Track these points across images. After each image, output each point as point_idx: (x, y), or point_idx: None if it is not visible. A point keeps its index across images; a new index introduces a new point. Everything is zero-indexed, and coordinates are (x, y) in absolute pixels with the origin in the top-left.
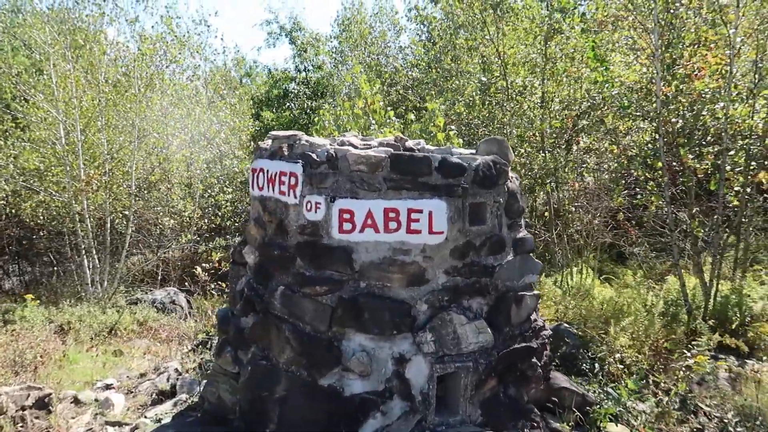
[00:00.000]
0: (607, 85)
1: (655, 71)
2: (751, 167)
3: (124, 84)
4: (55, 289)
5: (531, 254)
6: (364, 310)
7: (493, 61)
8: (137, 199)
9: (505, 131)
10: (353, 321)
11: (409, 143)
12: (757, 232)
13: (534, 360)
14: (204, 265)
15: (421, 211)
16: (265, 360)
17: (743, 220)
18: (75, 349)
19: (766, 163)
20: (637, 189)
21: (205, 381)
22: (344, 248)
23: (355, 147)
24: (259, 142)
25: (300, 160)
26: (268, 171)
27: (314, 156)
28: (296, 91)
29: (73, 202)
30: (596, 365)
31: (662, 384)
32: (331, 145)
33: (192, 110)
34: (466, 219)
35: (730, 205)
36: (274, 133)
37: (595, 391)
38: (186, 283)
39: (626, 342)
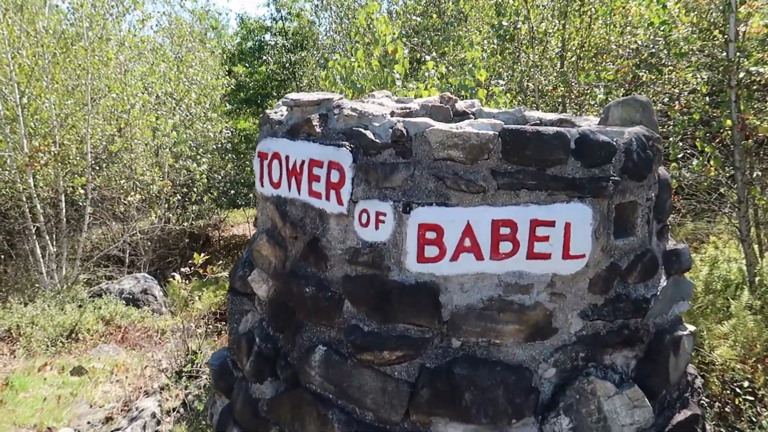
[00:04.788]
0: (663, 27)
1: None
2: None
3: (71, 35)
4: (4, 282)
5: (686, 274)
6: (462, 386)
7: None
8: (96, 172)
9: (522, 86)
10: (445, 405)
11: (460, 104)
12: None
13: None
14: (183, 269)
15: (552, 224)
16: None
17: None
18: (24, 365)
19: None
20: (692, 153)
21: None
22: (427, 287)
23: (392, 112)
24: (268, 111)
25: (345, 142)
26: (288, 158)
27: (370, 134)
28: (272, 43)
29: (18, 179)
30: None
31: None
32: (388, 115)
33: (156, 66)
34: (611, 230)
35: None
36: (294, 96)
37: None
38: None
39: (729, 353)
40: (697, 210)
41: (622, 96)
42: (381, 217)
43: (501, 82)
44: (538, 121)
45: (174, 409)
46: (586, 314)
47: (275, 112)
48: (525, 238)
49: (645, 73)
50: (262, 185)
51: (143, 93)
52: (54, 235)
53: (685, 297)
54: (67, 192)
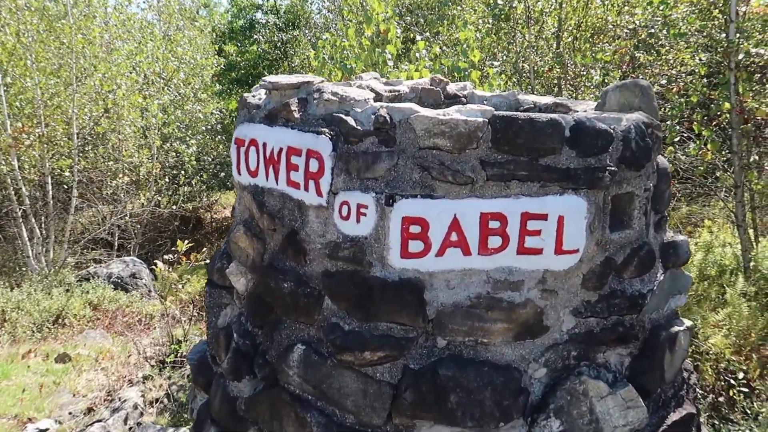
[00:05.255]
0: (662, 7)
1: None
2: None
3: (54, 12)
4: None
5: (683, 268)
6: (447, 387)
7: None
8: (83, 154)
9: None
10: (430, 408)
11: (452, 87)
12: None
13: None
14: (166, 256)
15: (544, 217)
16: None
17: None
18: (8, 352)
19: None
20: (689, 136)
21: None
22: (411, 284)
23: (378, 96)
24: (246, 94)
25: (325, 128)
26: (265, 146)
27: (352, 121)
28: (264, 22)
29: (1, 161)
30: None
31: None
32: (371, 100)
33: (144, 45)
34: (607, 222)
35: None
36: (272, 78)
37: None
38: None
39: (723, 342)
40: (693, 194)
41: (620, 78)
42: (362, 210)
43: (495, 63)
44: (533, 105)
45: (157, 400)
46: (579, 311)
47: (253, 96)
48: (515, 232)
49: (643, 54)
50: (239, 173)
51: (131, 72)
52: (41, 218)
53: (682, 291)
54: (54, 174)
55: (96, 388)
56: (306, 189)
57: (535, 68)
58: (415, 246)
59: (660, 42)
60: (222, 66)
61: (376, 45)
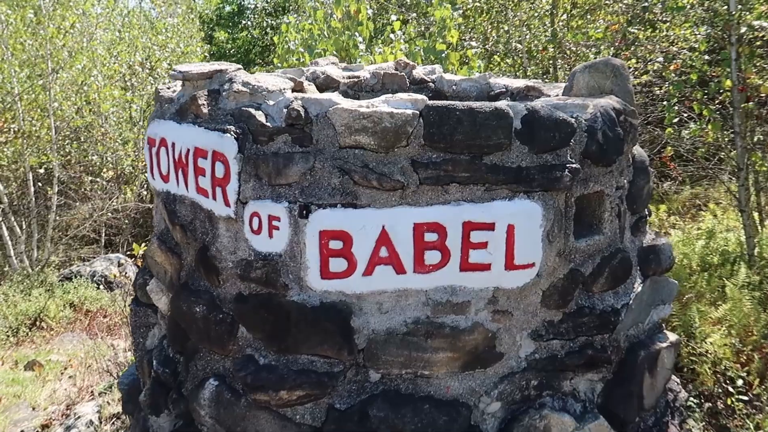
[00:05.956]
0: None
1: None
2: None
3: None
4: None
5: (666, 274)
6: (379, 431)
7: None
8: (63, 148)
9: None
10: None
11: (419, 71)
12: None
13: None
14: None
15: (491, 227)
16: None
17: None
18: None
19: None
20: (690, 116)
21: None
22: (334, 309)
23: (335, 83)
24: (161, 86)
25: (233, 126)
26: (174, 146)
27: (261, 116)
28: (253, 6)
29: None
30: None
31: None
32: (292, 90)
33: (123, 33)
34: (570, 229)
35: None
36: (184, 67)
37: None
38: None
39: (721, 342)
40: (695, 176)
41: (612, 56)
42: (275, 223)
43: (474, 44)
44: (504, 89)
45: (116, 415)
46: (540, 334)
47: (168, 88)
48: (457, 245)
49: (637, 29)
50: (153, 178)
51: (113, 63)
52: (22, 217)
53: (667, 300)
54: (35, 170)
55: (58, 400)
56: (214, 197)
57: (529, 48)
58: (337, 264)
59: (657, 16)
60: (206, 54)
61: (347, 27)
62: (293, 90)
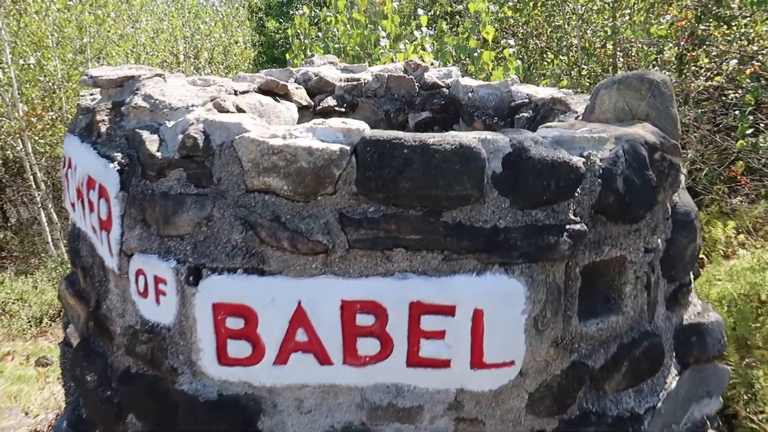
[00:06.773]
0: None
1: None
2: None
3: None
4: (20, 252)
5: (715, 360)
6: None
7: None
8: None
9: (565, 43)
10: None
11: (431, 74)
12: None
13: None
14: None
15: (450, 310)
16: None
17: None
18: None
19: None
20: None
21: None
22: (237, 404)
23: (330, 87)
24: (84, 93)
25: (124, 152)
26: (76, 170)
27: (153, 143)
28: None
29: (13, 145)
30: None
31: None
32: (207, 105)
33: (167, 21)
34: (574, 309)
35: None
36: (96, 71)
37: None
38: None
39: None
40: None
41: (675, 57)
42: (161, 286)
43: (512, 42)
44: (527, 100)
45: None
46: None
47: (91, 95)
48: (402, 332)
49: (709, 25)
50: (66, 202)
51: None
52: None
53: (714, 392)
54: None
55: (52, 406)
56: (102, 242)
57: (585, 45)
58: (237, 348)
59: (732, 12)
60: (246, 45)
61: (373, 21)
62: (219, 107)
